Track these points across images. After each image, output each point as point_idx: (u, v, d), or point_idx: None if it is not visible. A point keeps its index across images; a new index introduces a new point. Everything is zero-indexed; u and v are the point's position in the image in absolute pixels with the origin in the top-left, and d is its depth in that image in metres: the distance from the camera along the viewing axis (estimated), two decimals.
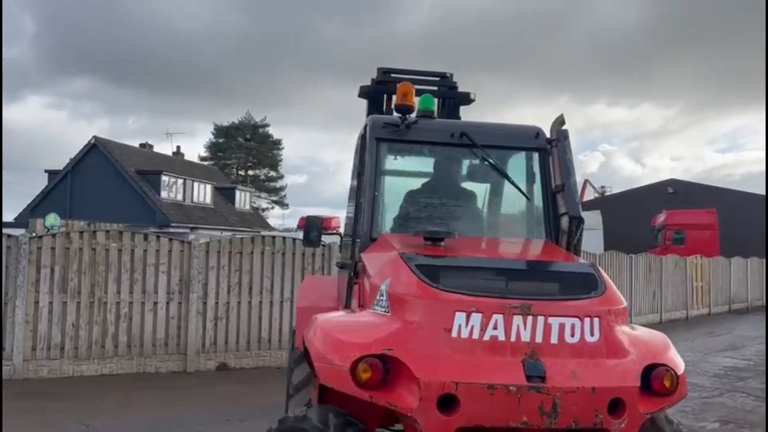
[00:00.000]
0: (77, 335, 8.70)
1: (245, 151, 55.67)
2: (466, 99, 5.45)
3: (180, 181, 33.94)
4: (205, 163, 50.66)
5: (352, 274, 4.08)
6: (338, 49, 69.56)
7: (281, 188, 58.12)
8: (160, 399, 7.68)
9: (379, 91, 5.43)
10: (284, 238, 10.45)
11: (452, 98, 5.50)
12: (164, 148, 44.98)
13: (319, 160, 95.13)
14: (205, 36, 71.97)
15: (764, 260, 23.87)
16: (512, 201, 4.62)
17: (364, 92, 5.45)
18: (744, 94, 79.76)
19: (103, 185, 31.19)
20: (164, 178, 32.66)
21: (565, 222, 4.18)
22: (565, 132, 4.39)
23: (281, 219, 56.58)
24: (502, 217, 4.78)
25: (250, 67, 73.53)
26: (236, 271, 9.68)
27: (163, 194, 32.35)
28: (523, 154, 4.60)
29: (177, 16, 74.46)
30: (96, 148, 32.63)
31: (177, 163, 38.15)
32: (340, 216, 5.29)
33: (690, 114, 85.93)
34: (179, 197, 33.67)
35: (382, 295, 3.23)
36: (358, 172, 4.46)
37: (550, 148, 4.44)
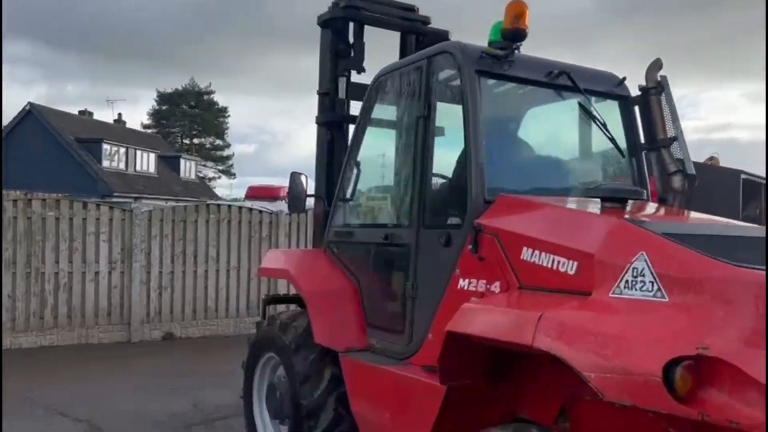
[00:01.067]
0: (14, 307, 8.43)
1: (190, 119, 54.32)
2: (444, 37, 4.79)
3: (122, 149, 32.97)
4: (148, 131, 49.32)
5: (470, 246, 3.13)
6: (286, 15, 68.22)
7: (228, 157, 57.09)
8: (103, 369, 7.53)
9: (346, 18, 4.70)
10: (229, 205, 10.31)
11: (426, 35, 4.91)
12: (105, 115, 43.69)
13: (267, 128, 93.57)
14: (149, 0, 69.49)
15: None
16: (599, 156, 3.98)
17: (325, 20, 4.80)
18: (684, 67, 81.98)
19: (40, 154, 30.03)
20: (105, 146, 31.65)
21: (678, 181, 3.79)
22: (666, 78, 3.87)
23: (228, 189, 55.74)
24: (597, 173, 4.06)
25: (194, 33, 71.38)
26: (180, 239, 9.50)
27: (105, 163, 31.39)
28: (606, 102, 3.94)
29: None
30: (31, 115, 31.32)
31: (118, 131, 37.01)
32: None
33: (633, 86, 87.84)
34: (121, 166, 32.73)
35: (642, 275, 2.49)
36: (421, 115, 3.59)
37: (648, 96, 3.92)
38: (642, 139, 4.00)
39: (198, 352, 8.62)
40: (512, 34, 3.48)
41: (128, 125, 40.76)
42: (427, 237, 3.47)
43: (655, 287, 2.46)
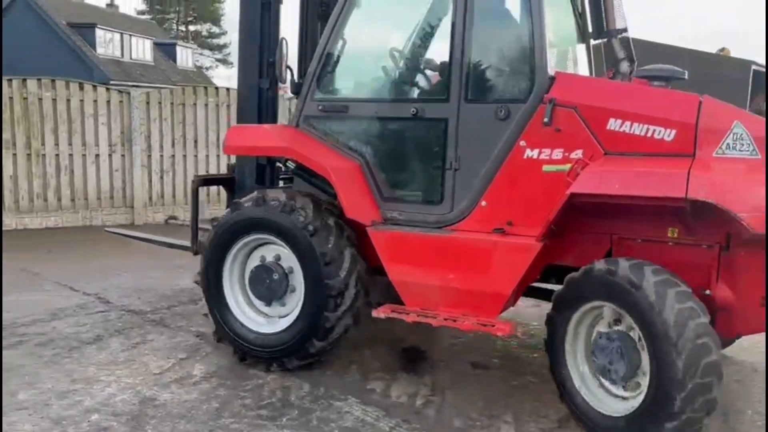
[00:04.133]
0: (17, 188, 8.49)
1: (185, 5, 52.48)
2: None
3: (117, 35, 32.00)
4: (143, 17, 47.77)
5: (545, 119, 3.35)
6: None
7: (225, 45, 55.52)
8: (108, 249, 7.66)
9: None
10: (228, 89, 10.12)
11: None
12: None
13: None
14: None
15: None
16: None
17: None
18: None
19: (32, 40, 29.10)
20: (99, 32, 30.66)
21: (626, 66, 4.22)
22: None
23: (227, 80, 54.54)
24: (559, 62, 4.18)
25: None
26: (179, 123, 9.42)
27: (100, 50, 30.53)
28: None
29: None
30: None
31: (111, 17, 35.81)
32: None
33: None
34: (117, 53, 31.90)
35: (741, 138, 3.10)
36: None
37: None
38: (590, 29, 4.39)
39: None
40: None
41: (121, 10, 39.44)
42: (474, 111, 3.66)
43: (752, 147, 3.10)
